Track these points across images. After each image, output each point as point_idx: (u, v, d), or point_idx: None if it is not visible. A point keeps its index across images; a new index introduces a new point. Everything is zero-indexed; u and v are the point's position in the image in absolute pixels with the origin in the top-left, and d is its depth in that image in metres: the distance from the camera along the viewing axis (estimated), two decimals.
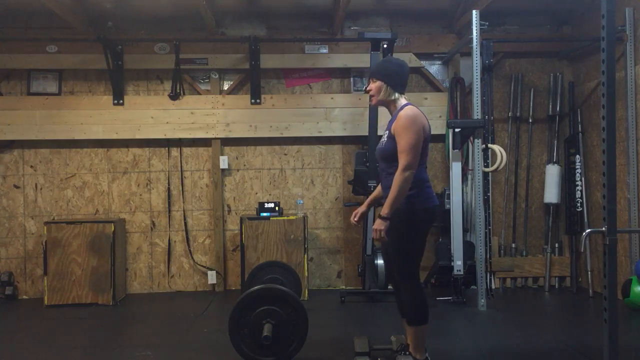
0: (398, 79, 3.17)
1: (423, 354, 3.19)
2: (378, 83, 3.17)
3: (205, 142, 5.60)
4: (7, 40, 5.37)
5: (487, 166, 5.04)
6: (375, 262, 5.03)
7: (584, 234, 2.92)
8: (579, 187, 5.38)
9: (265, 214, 5.19)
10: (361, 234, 5.42)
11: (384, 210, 3.01)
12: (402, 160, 3.00)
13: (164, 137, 5.51)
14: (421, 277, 3.58)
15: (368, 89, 3.24)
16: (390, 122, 3.19)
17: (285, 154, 5.68)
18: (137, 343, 3.93)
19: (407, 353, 3.24)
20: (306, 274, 5.16)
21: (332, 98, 5.60)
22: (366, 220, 5.12)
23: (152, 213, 5.61)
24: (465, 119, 5.34)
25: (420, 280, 3.18)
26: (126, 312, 4.95)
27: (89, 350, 3.81)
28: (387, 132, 3.18)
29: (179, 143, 5.62)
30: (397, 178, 2.99)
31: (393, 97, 3.18)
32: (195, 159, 5.64)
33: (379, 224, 3.01)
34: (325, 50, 5.59)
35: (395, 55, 5.26)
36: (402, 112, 3.09)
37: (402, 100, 3.19)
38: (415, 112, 3.09)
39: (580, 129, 5.45)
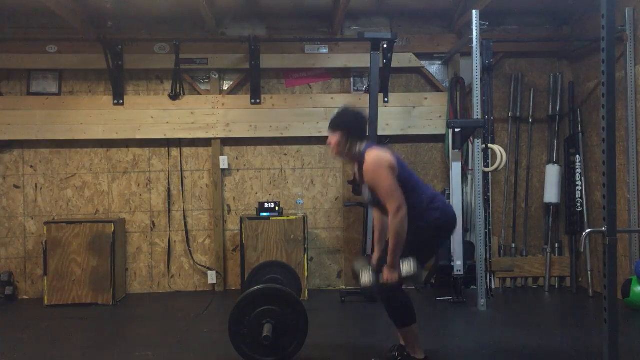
0: (356, 129, 3.15)
1: (422, 353, 3.20)
2: (338, 135, 3.15)
3: (205, 142, 5.60)
4: (7, 40, 5.37)
5: (487, 166, 5.04)
6: None
7: (584, 234, 2.92)
8: (579, 187, 5.38)
9: (265, 214, 5.19)
10: (361, 234, 5.42)
11: (390, 259, 3.00)
12: (390, 206, 2.97)
13: (164, 137, 5.51)
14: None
15: (328, 142, 3.22)
16: (359, 172, 3.18)
17: (285, 154, 5.68)
18: (137, 343, 3.93)
19: (406, 353, 3.26)
20: (306, 274, 5.16)
21: (332, 98, 5.59)
22: (366, 220, 5.13)
23: (152, 213, 5.61)
24: (465, 119, 5.34)
25: (401, 286, 3.14)
26: (126, 312, 4.95)
27: (89, 350, 3.81)
28: (365, 184, 3.16)
29: (179, 143, 5.62)
30: (392, 224, 2.97)
31: (355, 149, 3.15)
32: (195, 159, 5.64)
33: (389, 275, 3.02)
34: (325, 50, 5.59)
35: (395, 55, 5.30)
36: (365, 164, 3.07)
37: (362, 147, 3.16)
38: (376, 154, 3.06)
39: (580, 129, 5.45)
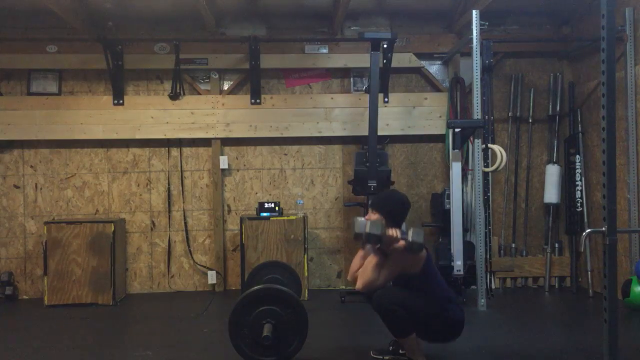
0: (397, 216, 3.22)
1: (423, 358, 3.22)
2: (377, 216, 3.21)
3: (205, 142, 5.60)
4: (7, 40, 5.37)
5: (487, 166, 5.04)
6: None
7: (584, 234, 2.92)
8: (579, 187, 5.38)
9: (265, 214, 5.19)
10: None
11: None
12: (373, 277, 3.15)
13: (164, 137, 5.51)
14: None
15: (367, 218, 3.26)
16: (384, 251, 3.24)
17: (285, 154, 5.68)
18: (137, 343, 3.93)
19: (402, 352, 3.29)
20: (306, 274, 5.16)
21: (332, 98, 5.60)
22: None
23: (152, 213, 5.61)
24: (465, 119, 5.34)
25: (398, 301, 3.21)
26: (126, 312, 4.95)
27: (89, 350, 3.81)
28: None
29: (179, 143, 5.62)
30: (360, 277, 3.19)
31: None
32: (195, 159, 5.64)
33: (393, 232, 3.13)
34: (325, 50, 5.59)
35: (395, 55, 5.30)
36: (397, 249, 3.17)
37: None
38: None
39: (580, 129, 5.45)
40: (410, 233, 3.07)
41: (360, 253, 3.34)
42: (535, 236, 5.69)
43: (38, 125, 5.41)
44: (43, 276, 5.09)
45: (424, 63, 5.68)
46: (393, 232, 3.12)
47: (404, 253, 3.11)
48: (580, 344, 3.75)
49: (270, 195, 5.65)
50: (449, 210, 4.93)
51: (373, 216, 3.23)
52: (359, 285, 3.19)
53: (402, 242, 3.11)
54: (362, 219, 3.17)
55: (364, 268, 3.19)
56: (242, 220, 5.18)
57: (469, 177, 5.41)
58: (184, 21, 5.52)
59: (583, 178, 5.37)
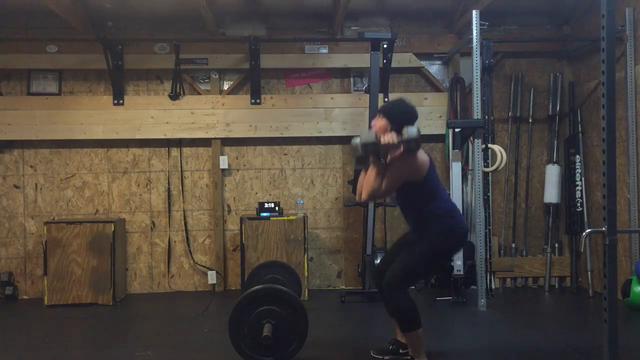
0: (404, 122, 3.17)
1: (424, 357, 3.22)
2: (384, 121, 3.18)
3: (205, 142, 5.60)
4: (7, 40, 5.37)
5: (487, 166, 5.04)
6: (375, 262, 5.03)
7: (584, 234, 2.93)
8: (579, 187, 5.38)
9: (265, 214, 5.19)
10: (361, 234, 5.42)
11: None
12: (377, 184, 3.11)
13: (164, 137, 5.51)
14: None
15: (373, 124, 3.25)
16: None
17: (285, 154, 5.68)
18: (137, 343, 3.93)
19: (402, 351, 3.29)
20: (306, 274, 5.16)
21: (332, 98, 5.60)
22: (365, 220, 5.13)
23: (152, 213, 5.61)
24: (465, 119, 5.34)
25: (407, 290, 3.20)
26: (126, 312, 4.95)
27: (89, 350, 3.81)
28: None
29: (179, 143, 5.62)
30: (367, 185, 3.12)
31: None
32: (195, 159, 5.64)
33: (389, 137, 3.10)
34: (325, 50, 5.59)
35: (395, 55, 5.30)
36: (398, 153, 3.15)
37: None
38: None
39: (580, 129, 5.45)
40: (403, 132, 3.04)
41: (363, 176, 3.29)
42: (535, 236, 5.69)
43: (38, 125, 5.41)
44: (43, 276, 5.09)
45: (424, 63, 5.68)
46: (388, 136, 3.08)
47: (405, 155, 3.08)
48: (580, 343, 3.75)
49: (270, 195, 5.65)
50: None
51: (380, 121, 3.19)
52: (363, 195, 3.16)
53: (400, 146, 3.08)
54: (357, 139, 3.13)
55: (367, 178, 3.14)
56: (242, 220, 5.18)
57: (469, 177, 5.42)
58: (184, 21, 5.52)
59: (583, 178, 5.37)
